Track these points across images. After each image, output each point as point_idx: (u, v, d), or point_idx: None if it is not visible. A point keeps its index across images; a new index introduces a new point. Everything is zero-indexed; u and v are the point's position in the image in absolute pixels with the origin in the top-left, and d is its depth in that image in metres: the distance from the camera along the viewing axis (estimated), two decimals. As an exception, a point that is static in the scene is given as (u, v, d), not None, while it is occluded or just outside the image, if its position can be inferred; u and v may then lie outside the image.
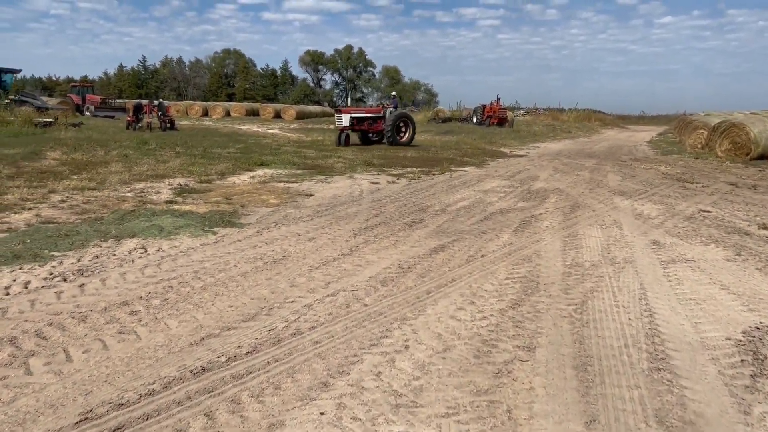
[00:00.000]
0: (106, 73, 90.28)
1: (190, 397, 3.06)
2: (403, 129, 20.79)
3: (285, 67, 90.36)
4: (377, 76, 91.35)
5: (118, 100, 43.92)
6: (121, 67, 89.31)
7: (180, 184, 10.36)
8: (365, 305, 4.55)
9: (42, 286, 4.73)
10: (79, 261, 5.49)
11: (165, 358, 3.53)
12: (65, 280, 4.93)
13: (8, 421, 2.79)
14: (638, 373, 3.48)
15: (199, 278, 5.11)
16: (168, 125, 23.98)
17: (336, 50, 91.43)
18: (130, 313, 4.23)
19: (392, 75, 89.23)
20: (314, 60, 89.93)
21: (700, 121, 24.37)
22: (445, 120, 41.19)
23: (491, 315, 4.40)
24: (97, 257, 5.65)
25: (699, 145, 21.68)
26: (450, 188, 11.20)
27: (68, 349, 3.60)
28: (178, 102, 59.45)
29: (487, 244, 6.64)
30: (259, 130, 30.34)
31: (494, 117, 36.64)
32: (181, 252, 5.96)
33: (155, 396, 3.06)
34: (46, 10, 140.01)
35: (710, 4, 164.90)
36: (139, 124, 23.35)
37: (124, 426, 2.79)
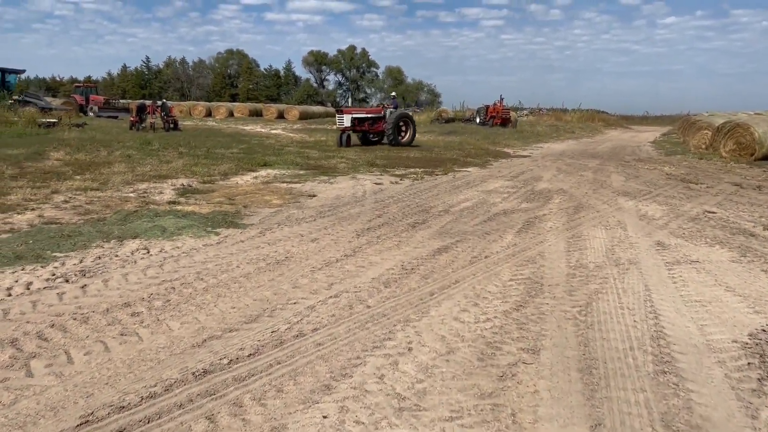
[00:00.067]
0: (109, 74, 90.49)
1: (191, 400, 3.04)
2: (404, 129, 20.72)
3: (288, 68, 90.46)
4: (380, 77, 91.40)
5: (121, 101, 44.00)
6: (124, 67, 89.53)
7: (183, 184, 10.36)
8: (368, 307, 4.52)
9: (44, 287, 4.72)
10: (81, 262, 5.48)
11: (167, 360, 3.51)
12: (67, 281, 4.91)
13: (8, 424, 2.77)
14: (644, 376, 3.45)
15: (202, 279, 5.10)
16: (171, 126, 23.97)
17: (339, 51, 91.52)
18: (132, 315, 4.21)
19: (395, 75, 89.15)
20: (317, 60, 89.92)
21: (704, 122, 24.27)
22: (448, 120, 41.13)
23: (495, 317, 4.37)
24: (100, 258, 5.63)
25: (703, 146, 21.60)
26: (453, 189, 11.17)
27: (69, 351, 3.58)
28: (182, 102, 59.46)
29: (491, 245, 6.61)
30: (262, 130, 30.35)
31: (497, 117, 36.55)
32: (183, 253, 5.95)
33: (157, 399, 3.04)
34: (50, 10, 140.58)
35: (714, 4, 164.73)
36: (143, 125, 23.35)
37: (125, 429, 2.77)
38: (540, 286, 5.14)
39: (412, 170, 13.81)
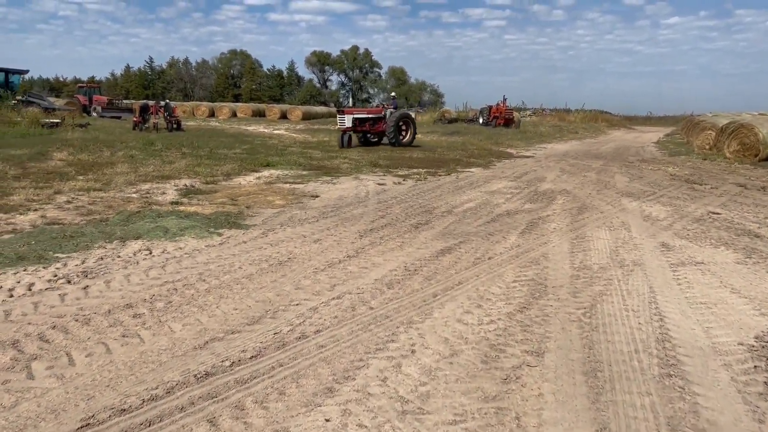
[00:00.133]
0: (113, 74, 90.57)
1: (193, 403, 3.01)
2: (404, 129, 20.64)
3: (291, 68, 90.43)
4: (383, 77, 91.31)
5: (125, 101, 43.93)
6: (128, 68, 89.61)
7: (186, 185, 10.35)
8: (371, 308, 4.50)
9: (46, 288, 4.70)
10: (83, 263, 5.46)
11: (168, 362, 3.49)
12: (69, 282, 4.90)
13: (9, 426, 2.75)
14: (649, 379, 3.42)
15: (204, 280, 5.08)
16: (174, 126, 23.96)
17: (342, 51, 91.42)
18: (133, 316, 4.19)
19: (398, 76, 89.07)
20: (320, 61, 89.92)
21: (707, 122, 24.20)
22: (452, 121, 41.07)
23: (499, 319, 4.34)
24: (102, 259, 5.62)
25: (707, 146, 21.52)
26: (456, 189, 11.14)
27: (71, 353, 3.57)
28: (185, 103, 59.51)
29: (494, 246, 6.57)
30: (265, 130, 30.35)
31: (501, 118, 36.47)
32: (185, 254, 5.93)
33: (158, 401, 3.02)
34: (54, 11, 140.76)
35: (717, 4, 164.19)
36: (146, 125, 23.34)
37: (126, 432, 2.75)
38: (544, 288, 5.11)
39: (415, 171, 13.79)
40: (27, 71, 33.42)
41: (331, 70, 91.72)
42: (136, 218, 7.36)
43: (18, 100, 26.70)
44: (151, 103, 25.58)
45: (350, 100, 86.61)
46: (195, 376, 3.30)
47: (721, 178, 13.60)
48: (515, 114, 40.05)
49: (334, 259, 5.87)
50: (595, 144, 29.05)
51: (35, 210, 7.60)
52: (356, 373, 3.41)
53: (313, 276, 5.31)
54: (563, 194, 10.70)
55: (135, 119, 23.99)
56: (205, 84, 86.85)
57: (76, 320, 4.07)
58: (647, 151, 23.51)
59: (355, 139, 20.20)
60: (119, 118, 32.60)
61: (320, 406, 3.03)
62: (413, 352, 3.74)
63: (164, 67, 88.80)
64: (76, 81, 70.03)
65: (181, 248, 6.13)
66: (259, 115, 53.13)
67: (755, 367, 3.62)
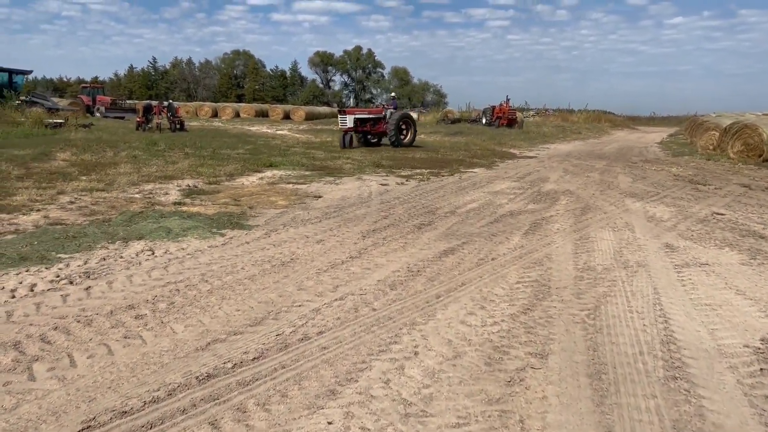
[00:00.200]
0: (116, 75, 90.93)
1: (195, 405, 3.00)
2: (405, 130, 20.58)
3: (294, 68, 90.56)
4: (386, 77, 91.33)
5: (128, 101, 44.04)
6: (131, 68, 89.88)
7: (188, 185, 10.34)
8: (374, 309, 4.48)
9: (48, 289, 4.69)
10: (85, 263, 5.45)
11: (170, 363, 3.47)
12: (71, 282, 4.89)
13: (10, 429, 2.74)
14: (654, 381, 3.39)
15: (206, 281, 5.06)
16: (177, 126, 23.99)
17: (345, 51, 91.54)
18: (135, 317, 4.18)
19: (401, 76, 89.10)
20: (323, 61, 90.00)
21: (711, 123, 24.14)
22: (455, 121, 41.06)
23: (502, 320, 4.32)
24: (104, 259, 5.61)
25: (710, 147, 21.46)
26: (459, 190, 11.11)
27: (72, 354, 3.55)
28: (188, 103, 59.55)
29: (498, 247, 6.55)
30: (268, 131, 30.36)
31: (504, 118, 36.45)
32: (188, 254, 5.92)
33: (159, 403, 3.00)
34: (57, 11, 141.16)
35: (721, 4, 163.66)
36: (149, 125, 23.37)
37: (127, 434, 2.73)
38: (547, 289, 5.08)
39: (418, 171, 13.76)
40: (31, 71, 33.53)
41: (334, 71, 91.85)
42: (138, 218, 7.35)
43: (22, 101, 26.74)
44: (154, 103, 25.64)
45: (351, 100, 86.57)
46: (197, 377, 3.28)
47: (725, 179, 13.55)
48: (518, 114, 40.03)
49: (337, 260, 5.85)
50: (599, 144, 28.99)
51: (38, 210, 7.60)
52: (359, 375, 3.39)
53: (315, 277, 5.29)
54: (566, 195, 10.67)
55: (138, 119, 24.04)
56: (208, 84, 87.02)
57: (78, 321, 4.06)
58: (651, 152, 23.45)
59: (356, 139, 20.15)
60: (122, 118, 32.66)
61: (323, 408, 3.01)
62: (416, 353, 3.71)
63: (167, 67, 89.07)
64: (80, 81, 70.18)
65: (183, 249, 6.11)
66: (262, 115, 53.15)
67: (761, 369, 3.59)
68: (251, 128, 32.08)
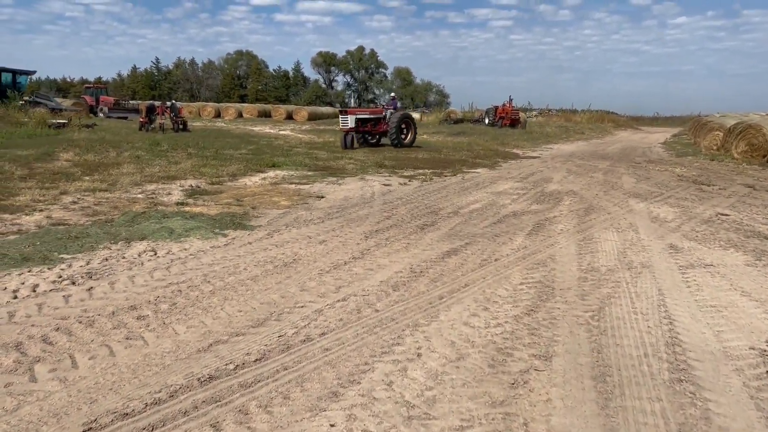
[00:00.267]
0: (119, 75, 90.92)
1: (196, 407, 2.98)
2: (405, 130, 20.51)
3: (297, 69, 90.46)
4: (389, 78, 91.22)
5: (131, 102, 44.12)
6: (134, 68, 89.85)
7: (191, 185, 10.33)
8: (377, 311, 4.46)
9: (50, 290, 4.68)
10: (88, 264, 5.44)
11: (172, 365, 3.45)
12: (74, 283, 4.88)
13: (10, 430, 2.72)
14: (659, 384, 3.36)
15: (209, 282, 5.05)
16: (180, 126, 24.00)
17: (348, 51, 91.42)
18: (137, 318, 4.17)
19: (404, 76, 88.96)
20: (326, 61, 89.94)
21: (715, 123, 24.04)
22: (457, 121, 41.04)
23: (506, 322, 4.29)
24: (107, 260, 5.60)
25: (714, 147, 21.38)
26: (462, 190, 11.08)
27: (74, 355, 3.54)
28: (191, 103, 59.60)
29: (501, 248, 6.52)
30: (271, 131, 30.36)
31: (506, 118, 36.41)
32: (190, 255, 5.90)
33: (161, 405, 2.98)
34: (61, 12, 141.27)
35: (725, 4, 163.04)
36: (152, 126, 23.39)
37: (128, 437, 2.72)
38: (551, 290, 5.05)
39: (420, 171, 13.74)
40: (34, 72, 33.56)
41: (336, 71, 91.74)
42: (141, 219, 7.34)
43: (25, 101, 26.75)
44: (157, 103, 25.62)
45: (351, 100, 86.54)
46: (199, 379, 3.27)
47: (729, 179, 13.49)
48: (521, 114, 39.96)
49: (340, 261, 5.83)
50: (602, 145, 28.93)
51: (41, 210, 7.60)
52: (361, 377, 3.37)
53: (318, 278, 5.27)
54: (570, 195, 10.63)
55: (141, 120, 24.07)
56: (211, 85, 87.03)
57: (80, 322, 4.05)
58: (654, 152, 23.38)
59: (355, 140, 20.05)
60: (126, 118, 32.72)
61: (325, 410, 2.99)
62: (419, 355, 3.69)
63: (170, 67, 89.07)
64: (83, 82, 70.24)
65: (185, 249, 6.10)
66: (265, 115, 53.15)
67: None
68: (254, 128, 32.09)
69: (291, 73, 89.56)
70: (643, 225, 7.97)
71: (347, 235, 6.98)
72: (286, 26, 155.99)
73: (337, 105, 75.93)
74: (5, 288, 4.66)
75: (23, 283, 4.79)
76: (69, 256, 5.64)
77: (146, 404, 2.98)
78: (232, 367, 3.44)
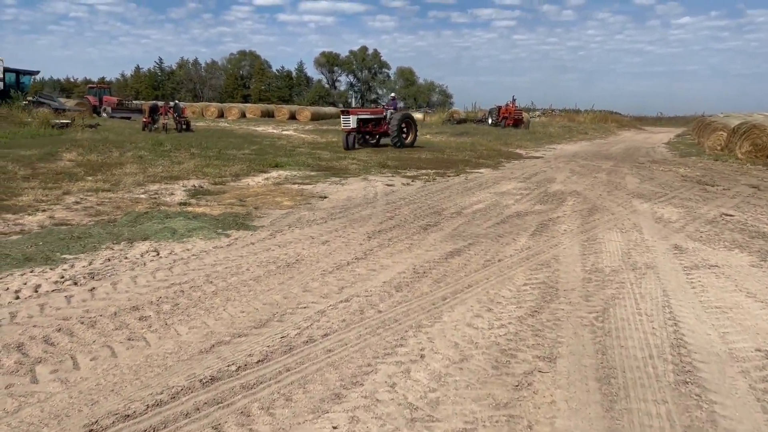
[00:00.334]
0: (123, 75, 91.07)
1: (198, 409, 2.96)
2: (405, 130, 20.43)
3: (300, 69, 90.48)
4: (392, 78, 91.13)
5: (134, 102, 44.12)
6: (137, 68, 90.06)
7: (194, 185, 10.33)
8: (379, 312, 4.44)
9: (52, 290, 4.67)
10: (90, 264, 5.43)
11: (174, 366, 3.44)
12: (76, 283, 4.87)
13: (12, 432, 2.71)
14: (665, 386, 3.34)
15: (211, 282, 5.03)
16: (183, 126, 24.00)
17: (351, 51, 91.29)
18: (140, 319, 4.15)
19: (407, 76, 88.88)
20: (329, 61, 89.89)
21: (719, 123, 23.97)
22: (460, 121, 40.96)
23: (509, 323, 4.26)
24: (109, 260, 5.59)
25: (718, 147, 21.31)
26: (465, 190, 11.05)
27: (76, 356, 3.53)
28: (194, 103, 59.65)
29: (504, 249, 6.49)
30: (274, 131, 30.36)
31: (510, 118, 36.32)
32: (193, 255, 5.89)
33: (163, 407, 2.96)
34: (65, 12, 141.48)
35: (729, 4, 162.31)
36: (155, 126, 23.38)
37: (129, 439, 2.70)
38: (555, 291, 5.03)
39: (423, 171, 13.71)
40: (38, 72, 33.59)
41: (339, 71, 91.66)
42: (144, 219, 7.33)
43: (29, 101, 26.80)
44: (160, 103, 25.62)
45: (353, 100, 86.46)
46: (200, 381, 3.25)
47: (734, 180, 13.44)
48: (524, 114, 39.90)
49: (342, 261, 5.81)
50: (605, 145, 28.86)
51: (44, 210, 7.59)
52: (364, 379, 3.34)
53: (321, 278, 5.25)
54: (573, 195, 10.60)
55: (144, 120, 24.04)
56: (214, 85, 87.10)
57: (82, 323, 4.03)
58: (658, 152, 23.32)
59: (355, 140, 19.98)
60: (129, 118, 32.73)
61: (327, 412, 2.97)
62: (422, 357, 3.67)
63: (174, 67, 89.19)
64: (87, 82, 70.40)
65: (188, 249, 6.09)
66: (268, 115, 53.15)
67: (774, 374, 3.53)
68: (257, 128, 32.10)
69: (294, 73, 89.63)
70: (647, 225, 7.93)
71: (350, 236, 6.96)
72: (289, 26, 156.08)
73: (340, 105, 75.92)
74: (7, 288, 4.65)
75: (25, 284, 4.78)
76: (71, 257, 5.63)
77: (147, 406, 2.97)
78: (234, 368, 3.42)
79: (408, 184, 11.79)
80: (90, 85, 43.39)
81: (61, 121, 21.87)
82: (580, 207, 9.33)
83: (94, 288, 4.77)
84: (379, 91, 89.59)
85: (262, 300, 4.63)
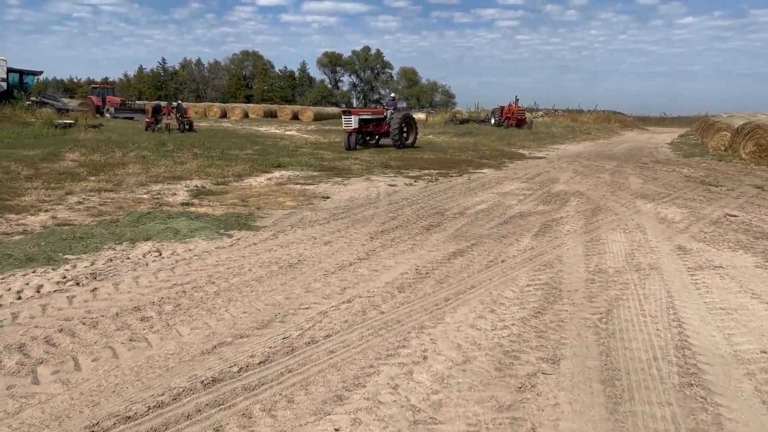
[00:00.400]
0: (126, 75, 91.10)
1: (199, 410, 2.95)
2: (406, 131, 20.38)
3: (303, 69, 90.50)
4: (395, 78, 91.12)
5: (137, 102, 44.21)
6: (141, 68, 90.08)
7: (196, 185, 10.32)
8: (382, 313, 4.42)
9: (54, 291, 4.66)
10: (92, 264, 5.43)
11: (175, 367, 3.42)
12: (78, 284, 4.86)
13: (12, 433, 2.70)
14: (669, 388, 3.31)
15: (213, 283, 5.02)
16: (186, 127, 24.03)
17: (354, 52, 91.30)
18: (141, 320, 4.14)
19: (409, 76, 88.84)
20: (332, 61, 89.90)
21: (722, 123, 23.89)
22: (463, 121, 40.92)
23: (512, 324, 4.24)
24: (111, 260, 5.58)
25: (722, 147, 21.23)
26: (468, 191, 11.03)
27: (77, 357, 3.51)
28: (197, 103, 59.64)
29: (507, 249, 6.47)
30: (277, 131, 30.37)
31: (513, 118, 36.28)
32: (195, 255, 5.88)
33: (164, 408, 2.95)
34: (68, 12, 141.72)
35: (732, 4, 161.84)
36: (158, 126, 23.42)
37: (131, 440, 2.69)
38: (558, 292, 5.00)
39: (426, 172, 13.69)
40: (41, 72, 33.67)
41: (342, 71, 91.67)
42: (146, 219, 7.33)
43: (32, 101, 26.84)
44: (163, 104, 25.70)
45: (355, 101, 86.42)
46: (202, 382, 3.23)
47: (738, 180, 13.38)
48: (527, 115, 39.86)
49: (345, 262, 5.80)
50: (608, 145, 28.79)
51: (46, 211, 7.59)
52: (366, 380, 3.33)
53: (323, 279, 5.23)
54: (577, 196, 10.56)
55: (147, 120, 24.09)
56: (217, 85, 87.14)
57: (84, 323, 4.02)
58: (661, 152, 23.25)
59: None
60: (132, 118, 32.80)
61: (329, 414, 2.95)
62: (425, 358, 3.65)
63: (177, 68, 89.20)
64: (90, 82, 70.48)
65: (190, 250, 6.08)
66: (271, 115, 53.18)
67: (779, 376, 3.50)
68: (260, 129, 32.11)
69: (297, 74, 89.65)
70: (650, 226, 7.90)
71: (352, 236, 6.95)
72: (292, 27, 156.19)
73: (343, 105, 75.90)
74: (9, 289, 4.64)
75: (27, 284, 4.77)
76: (73, 257, 5.62)
77: (149, 407, 2.95)
78: (235, 369, 3.41)
79: (411, 184, 11.77)
80: (93, 86, 43.47)
81: (64, 121, 21.90)
82: (584, 207, 9.30)
83: (96, 288, 4.76)
84: (382, 92, 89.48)
85: (264, 300, 4.62)
